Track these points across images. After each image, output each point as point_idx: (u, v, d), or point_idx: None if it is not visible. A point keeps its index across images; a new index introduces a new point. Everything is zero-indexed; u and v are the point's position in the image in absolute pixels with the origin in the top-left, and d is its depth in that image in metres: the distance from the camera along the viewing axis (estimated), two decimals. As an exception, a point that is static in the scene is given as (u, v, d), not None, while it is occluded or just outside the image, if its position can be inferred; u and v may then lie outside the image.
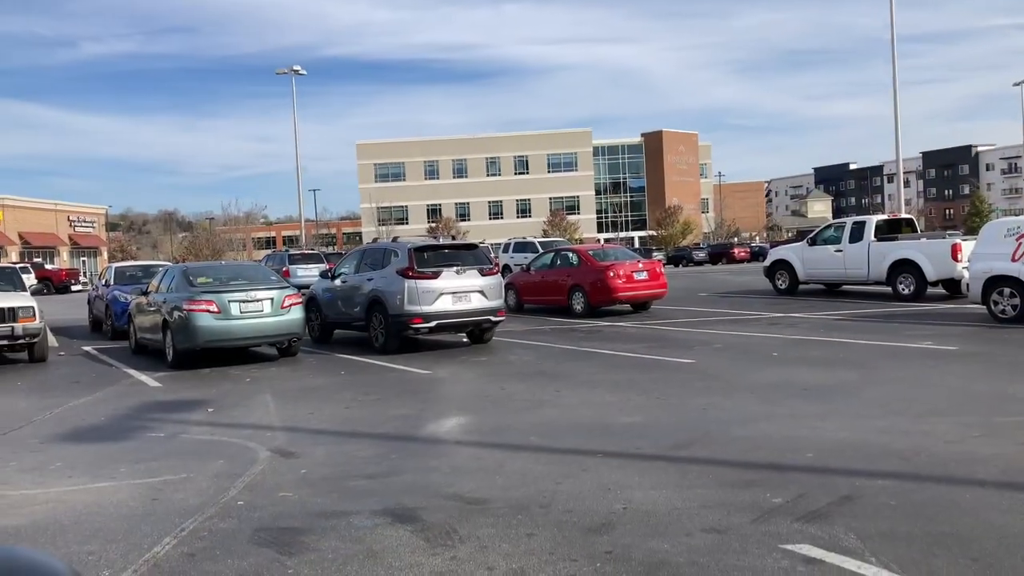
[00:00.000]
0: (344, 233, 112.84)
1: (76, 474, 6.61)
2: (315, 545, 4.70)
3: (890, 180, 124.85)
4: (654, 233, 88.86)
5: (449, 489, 5.71)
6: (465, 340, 14.63)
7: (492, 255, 20.40)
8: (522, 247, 35.21)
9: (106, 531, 5.10)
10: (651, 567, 4.17)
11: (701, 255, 62.63)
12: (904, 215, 22.83)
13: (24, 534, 5.13)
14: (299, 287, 15.61)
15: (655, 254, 53.85)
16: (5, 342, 13.58)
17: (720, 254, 62.32)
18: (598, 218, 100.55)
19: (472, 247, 14.87)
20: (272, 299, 12.91)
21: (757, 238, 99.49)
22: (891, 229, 20.34)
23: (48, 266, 57.28)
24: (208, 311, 12.37)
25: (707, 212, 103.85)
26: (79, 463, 6.99)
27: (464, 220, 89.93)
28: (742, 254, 61.02)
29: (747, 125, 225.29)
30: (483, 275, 13.83)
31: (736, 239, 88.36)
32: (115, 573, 4.38)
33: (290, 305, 13.12)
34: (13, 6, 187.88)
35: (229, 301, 12.54)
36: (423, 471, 6.26)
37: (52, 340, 16.29)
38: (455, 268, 13.58)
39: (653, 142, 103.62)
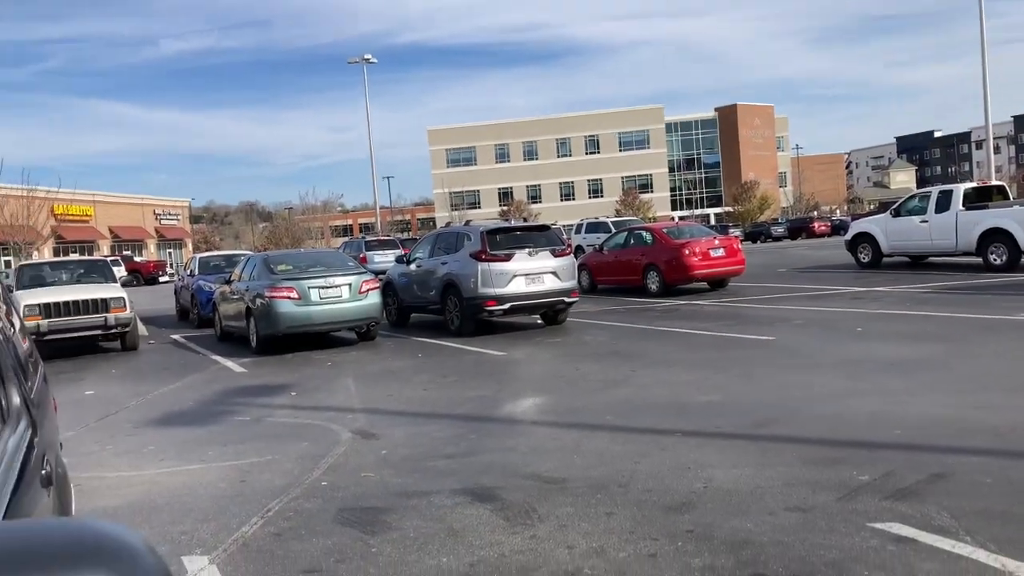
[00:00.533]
0: (418, 219, 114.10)
1: (168, 457, 6.86)
2: (397, 524, 4.78)
3: (979, 147, 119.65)
4: (730, 209, 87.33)
5: (527, 469, 5.73)
6: (539, 322, 14.63)
7: (564, 236, 20.36)
8: (594, 227, 34.96)
9: (197, 511, 5.28)
10: (734, 546, 4.11)
11: (779, 230, 61.31)
12: (995, 182, 21.84)
13: (121, 514, 5.35)
14: (376, 272, 15.86)
15: (732, 230, 52.88)
16: (99, 331, 14.17)
17: (799, 229, 60.85)
18: (672, 196, 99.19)
19: (544, 228, 14.83)
20: (350, 285, 13.14)
21: (837, 211, 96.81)
22: (980, 197, 19.47)
23: (136, 258, 59.53)
24: (289, 298, 12.66)
25: (785, 186, 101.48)
26: (170, 446, 7.25)
27: (536, 202, 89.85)
28: (822, 228, 59.44)
29: (825, 95, 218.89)
30: (556, 256, 13.79)
31: (816, 213, 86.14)
32: (206, 551, 4.53)
33: (368, 290, 13.33)
34: (97, 9, 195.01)
35: (309, 287, 12.82)
36: (501, 451, 6.30)
37: (142, 329, 16.92)
38: (528, 250, 13.56)
39: (727, 116, 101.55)
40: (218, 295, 15.50)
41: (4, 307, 3.20)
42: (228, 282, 14.88)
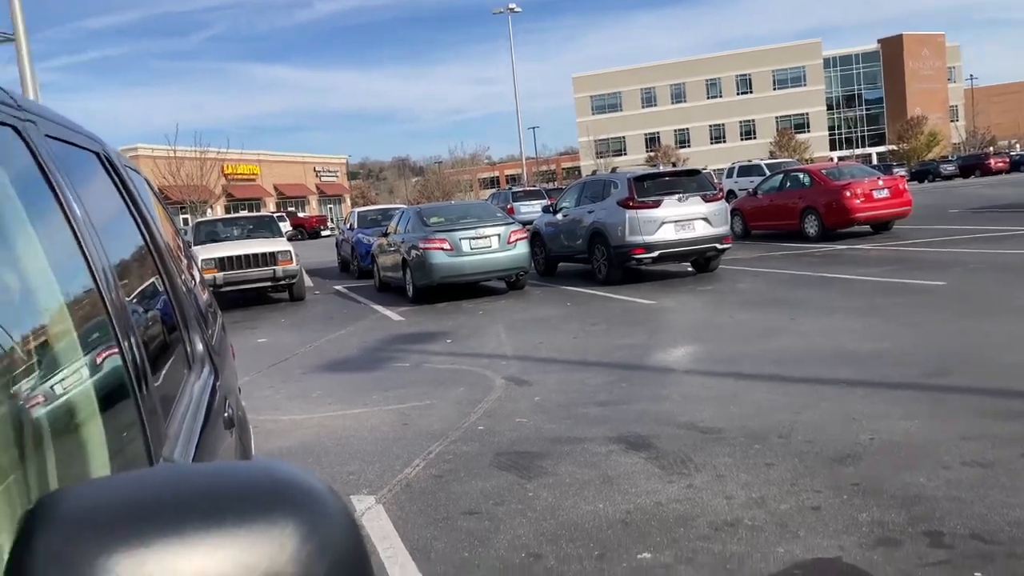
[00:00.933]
0: (563, 168, 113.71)
1: (335, 401, 7.23)
2: (552, 469, 4.85)
3: None
4: (895, 147, 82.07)
5: (681, 418, 5.66)
6: (690, 269, 14.34)
7: (715, 181, 19.75)
8: (747, 171, 33.75)
9: (363, 453, 5.55)
10: (905, 501, 3.91)
11: (950, 168, 57.05)
12: None
13: (294, 454, 5.70)
14: (523, 223, 15.98)
15: (896, 170, 49.71)
16: (268, 283, 15.07)
17: (972, 166, 56.38)
18: (830, 135, 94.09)
19: (694, 173, 14.43)
20: (499, 235, 13.32)
21: (1018, 146, 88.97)
22: None
23: (300, 214, 62.67)
24: (442, 249, 13.00)
25: (956, 121, 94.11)
26: (337, 391, 7.64)
27: (684, 147, 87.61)
28: (999, 164, 54.83)
29: (1005, 19, 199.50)
30: (706, 201, 13.42)
31: (992, 148, 79.50)
32: (373, 491, 4.76)
33: (516, 240, 13.48)
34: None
35: (460, 239, 13.10)
36: (654, 400, 6.25)
37: (308, 281, 17.82)
38: (677, 196, 13.26)
39: (891, 48, 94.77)
40: (376, 247, 16.10)
41: (186, 261, 3.43)
42: (385, 235, 15.42)
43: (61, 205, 1.40)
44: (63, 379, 1.24)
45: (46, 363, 1.19)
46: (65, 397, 1.24)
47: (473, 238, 13.18)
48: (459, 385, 7.30)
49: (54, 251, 1.35)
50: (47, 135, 1.51)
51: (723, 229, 13.56)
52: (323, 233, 52.23)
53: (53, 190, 1.39)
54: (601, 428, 5.58)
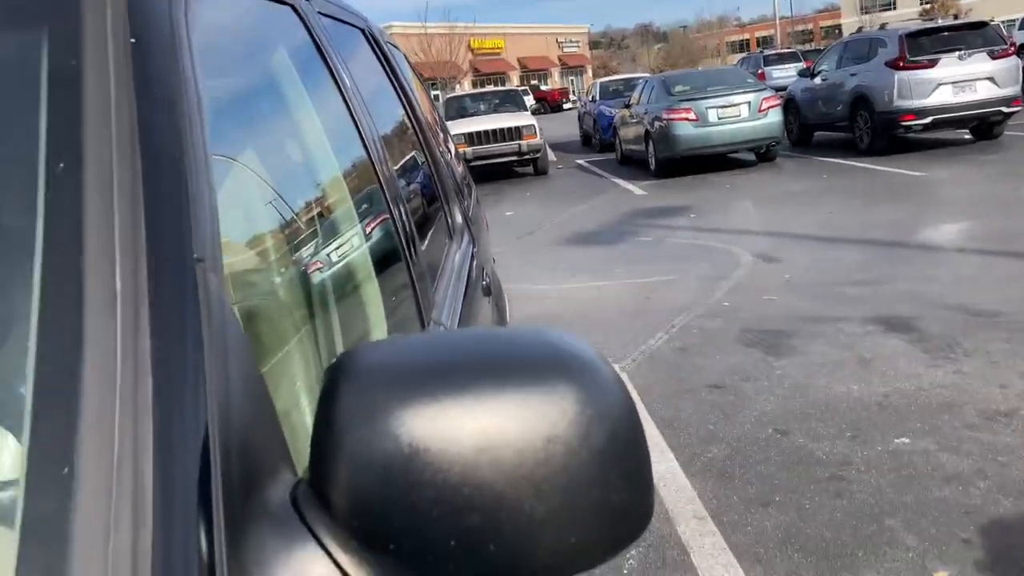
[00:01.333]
0: (822, 28, 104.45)
1: (579, 273, 7.39)
2: (802, 348, 4.68)
3: None
4: None
5: (950, 299, 5.21)
6: (968, 137, 12.85)
7: (1005, 34, 17.30)
8: (1046, 20, 29.24)
9: (606, 324, 5.66)
10: None
11: None
12: None
13: (542, 322, 5.93)
14: (776, 89, 14.99)
15: None
16: (514, 157, 15.42)
17: None
18: None
19: (979, 26, 12.69)
20: (749, 103, 12.64)
21: None
22: None
23: (542, 87, 63.00)
24: (687, 119, 12.56)
25: None
26: (581, 263, 7.79)
27: (968, -4, 77.04)
28: None
29: None
30: (993, 59, 11.83)
31: None
32: (616, 361, 4.86)
33: (767, 108, 12.73)
34: None
35: (707, 108, 12.57)
36: (918, 280, 5.78)
37: (551, 155, 18.04)
38: (957, 53, 11.80)
39: None
40: (618, 119, 15.89)
41: (442, 134, 3.57)
42: (627, 106, 15.15)
43: (334, 79, 1.48)
44: (342, 244, 1.34)
45: (326, 229, 1.29)
46: (345, 261, 1.35)
47: (721, 107, 12.60)
48: (703, 261, 7.17)
49: (330, 124, 1.44)
50: (319, 12, 1.58)
51: (1011, 90, 11.95)
52: (565, 106, 52.21)
53: (327, 64, 1.47)
54: (858, 308, 5.28)
